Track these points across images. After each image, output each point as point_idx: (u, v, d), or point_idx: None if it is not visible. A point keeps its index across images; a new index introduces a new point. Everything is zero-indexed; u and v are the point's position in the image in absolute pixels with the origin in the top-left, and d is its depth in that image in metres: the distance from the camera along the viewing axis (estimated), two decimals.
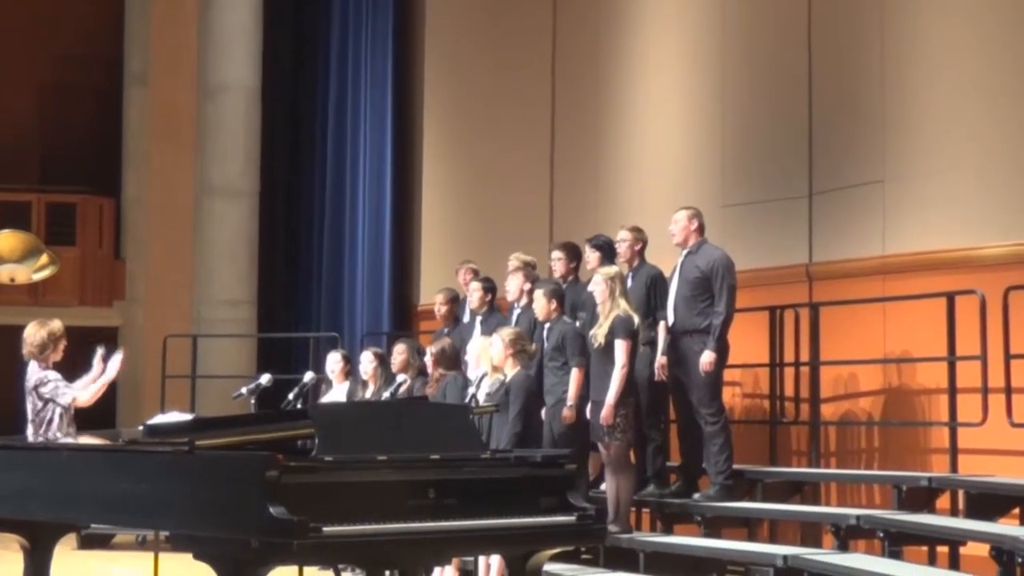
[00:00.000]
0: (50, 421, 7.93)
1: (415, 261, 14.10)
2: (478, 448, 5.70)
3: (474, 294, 10.05)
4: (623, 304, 8.61)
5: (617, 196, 11.74)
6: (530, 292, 9.41)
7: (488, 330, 9.47)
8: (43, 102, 17.28)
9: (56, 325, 8.16)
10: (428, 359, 9.50)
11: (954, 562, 7.75)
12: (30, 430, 8.02)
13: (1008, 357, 8.06)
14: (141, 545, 11.40)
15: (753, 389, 10.15)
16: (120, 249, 16.55)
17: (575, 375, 8.78)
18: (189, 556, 5.15)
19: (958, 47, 9.01)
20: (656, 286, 9.15)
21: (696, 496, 8.95)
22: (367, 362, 10.09)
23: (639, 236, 9.32)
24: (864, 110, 9.58)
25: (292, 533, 4.78)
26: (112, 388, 8.37)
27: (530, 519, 5.43)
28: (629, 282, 9.05)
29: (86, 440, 6.99)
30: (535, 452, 7.46)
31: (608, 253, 9.39)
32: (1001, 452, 8.24)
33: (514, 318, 9.65)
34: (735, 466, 8.93)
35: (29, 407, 8.04)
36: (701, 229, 9.05)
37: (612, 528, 8.33)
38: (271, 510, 4.80)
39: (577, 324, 9.11)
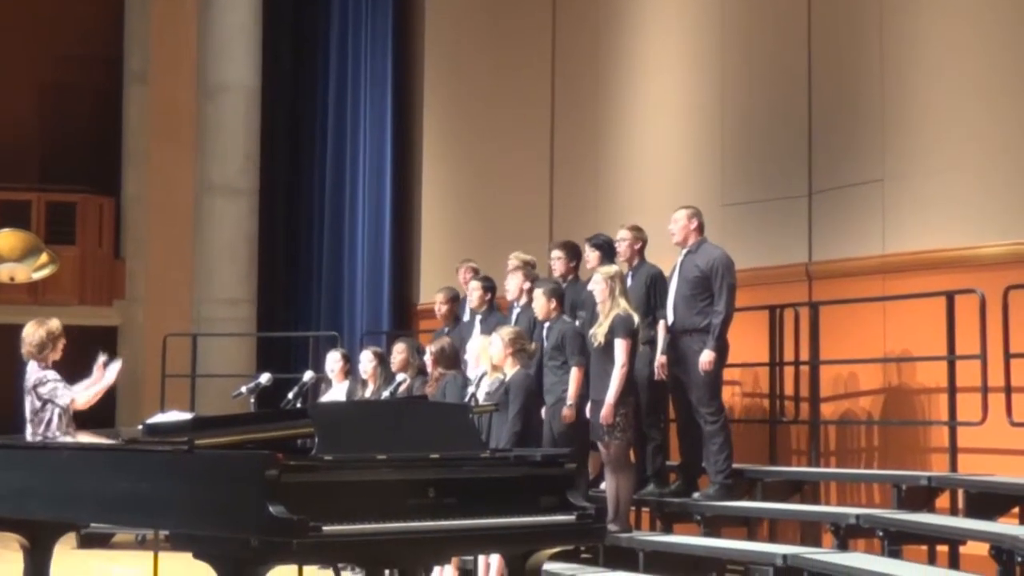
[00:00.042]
0: (49, 421, 7.93)
1: (415, 260, 14.11)
2: (478, 447, 5.70)
3: (473, 293, 10.05)
4: (623, 303, 8.61)
5: (617, 195, 11.74)
6: (530, 291, 9.41)
7: (488, 329, 9.47)
8: (43, 101, 17.28)
9: (54, 324, 8.15)
10: (427, 358, 9.50)
11: (954, 561, 7.75)
12: (28, 429, 8.02)
13: (1008, 356, 8.06)
14: (141, 544, 11.40)
15: (753, 388, 10.15)
16: (120, 248, 16.55)
17: (575, 374, 8.78)
18: (189, 555, 5.15)
19: (957, 46, 9.01)
20: (656, 285, 9.15)
21: (696, 495, 8.95)
22: (367, 361, 10.09)
23: (639, 235, 9.32)
24: (864, 109, 9.58)
25: (292, 532, 4.78)
26: (112, 388, 8.37)
27: (530, 518, 5.43)
28: (629, 281, 9.05)
29: (85, 439, 6.98)
30: (535, 451, 7.46)
31: (608, 252, 9.39)
32: (1001, 451, 8.25)
33: (514, 317, 9.65)
34: (735, 465, 8.93)
35: (27, 406, 8.04)
36: (701, 228, 9.05)
37: (612, 527, 8.32)
38: (271, 509, 4.80)
39: (577, 323, 9.11)
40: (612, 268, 8.83)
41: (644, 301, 9.07)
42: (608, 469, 8.70)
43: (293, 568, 6.73)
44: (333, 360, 10.54)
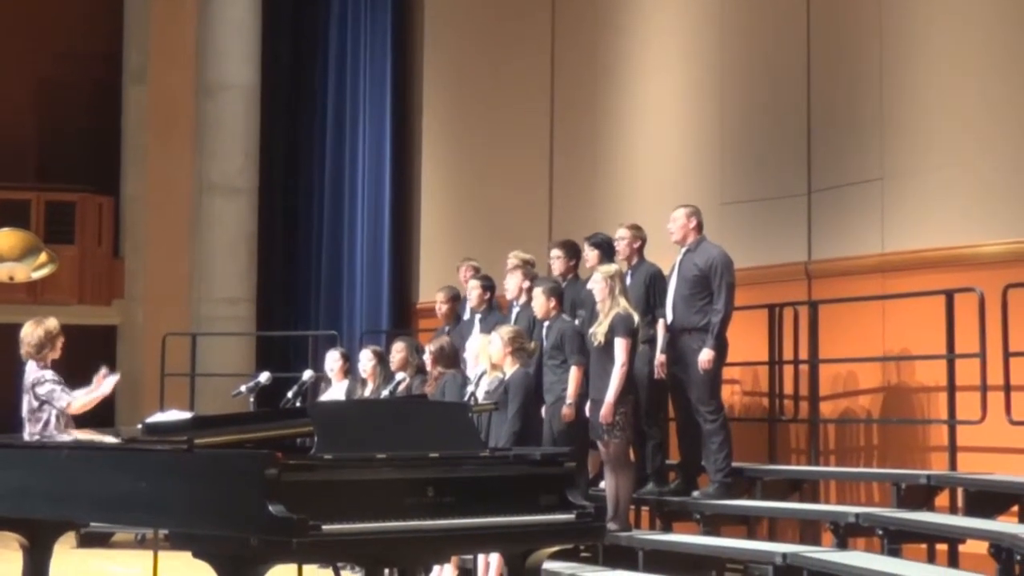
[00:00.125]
0: (47, 422, 7.93)
1: (414, 259, 14.11)
2: (477, 446, 5.70)
3: (473, 292, 10.05)
4: (623, 302, 8.61)
5: (616, 194, 11.74)
6: (529, 290, 9.41)
7: (487, 328, 9.47)
8: (42, 99, 17.26)
9: (52, 323, 8.15)
10: (427, 357, 9.50)
11: (953, 560, 7.75)
12: (26, 428, 8.02)
13: (1007, 355, 8.07)
14: (140, 543, 11.40)
15: (752, 387, 10.15)
16: (119, 247, 16.53)
17: (574, 373, 8.78)
18: (188, 554, 5.15)
19: (956, 45, 9.01)
20: (655, 284, 9.15)
21: (695, 494, 8.95)
22: (366, 360, 10.09)
23: (638, 234, 9.31)
24: (862, 108, 9.58)
25: (291, 531, 4.78)
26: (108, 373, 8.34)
27: (529, 517, 5.43)
28: (628, 280, 9.05)
29: (84, 437, 6.97)
30: (534, 450, 7.46)
31: (607, 251, 9.39)
32: (1000, 450, 8.25)
33: (513, 316, 9.65)
34: (734, 464, 8.94)
35: (25, 405, 8.05)
36: (700, 227, 9.05)
37: (611, 526, 8.32)
38: (270, 508, 4.80)
39: (576, 322, 9.11)
40: (612, 267, 8.83)
41: (643, 300, 9.06)
42: (608, 468, 8.70)
43: (293, 567, 6.73)
44: (332, 359, 10.54)
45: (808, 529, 8.98)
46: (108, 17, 16.85)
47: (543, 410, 8.88)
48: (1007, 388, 8.04)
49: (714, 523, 8.82)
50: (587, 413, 8.67)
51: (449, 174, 13.89)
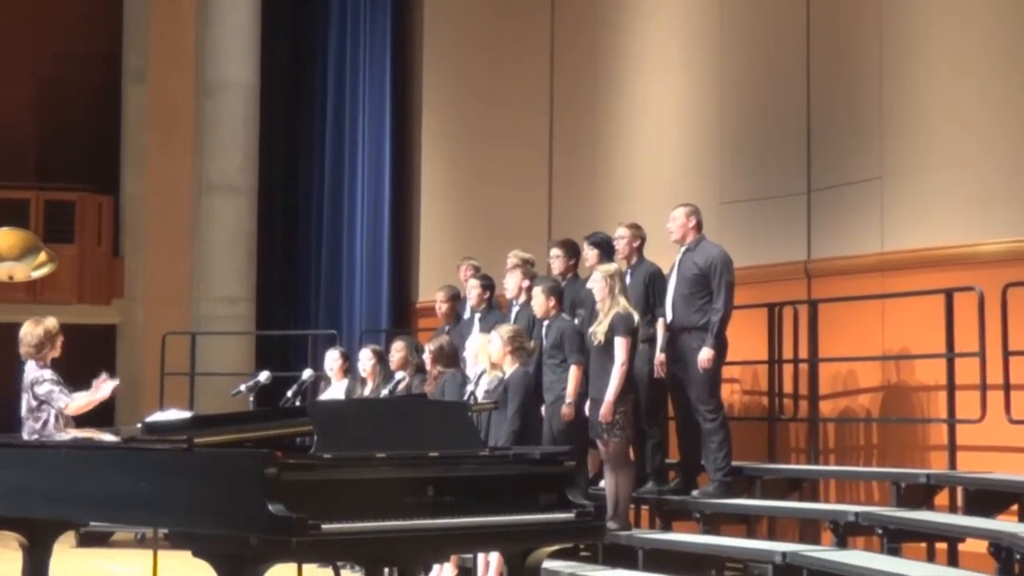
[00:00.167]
0: (45, 421, 7.93)
1: (414, 258, 14.11)
2: (477, 445, 5.70)
3: (472, 291, 10.06)
4: (622, 301, 8.61)
5: (615, 193, 11.75)
6: (529, 289, 9.41)
7: (487, 327, 9.47)
8: (41, 99, 17.26)
9: (51, 322, 8.14)
10: (426, 356, 9.50)
11: (952, 559, 7.75)
12: (25, 428, 8.02)
13: (1006, 354, 8.07)
14: (140, 543, 11.40)
15: (752, 386, 10.15)
16: (119, 246, 16.53)
17: (574, 372, 8.77)
18: (188, 553, 5.15)
19: (956, 44, 9.01)
20: (655, 283, 9.15)
21: (695, 493, 8.95)
22: (365, 359, 10.09)
23: (637, 233, 9.31)
24: (862, 107, 9.58)
25: (291, 530, 4.78)
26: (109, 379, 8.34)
27: (529, 516, 5.43)
28: (628, 279, 9.05)
29: (84, 437, 6.97)
30: (534, 449, 7.45)
31: (606, 250, 9.39)
32: (999, 449, 8.25)
33: (513, 315, 9.65)
34: (734, 463, 8.94)
35: (24, 404, 8.04)
36: (699, 226, 9.05)
37: (611, 525, 8.32)
38: (270, 507, 4.80)
39: (576, 321, 9.11)
40: (611, 266, 8.83)
41: (643, 299, 9.06)
42: (607, 467, 8.70)
43: (292, 566, 6.73)
44: (332, 358, 10.54)
45: (808, 528, 8.98)
46: (108, 17, 16.85)
47: (542, 409, 8.88)
48: (1006, 387, 8.04)
49: (714, 522, 8.83)
50: (587, 412, 8.67)
51: (449, 173, 13.89)
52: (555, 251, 9.79)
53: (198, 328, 14.38)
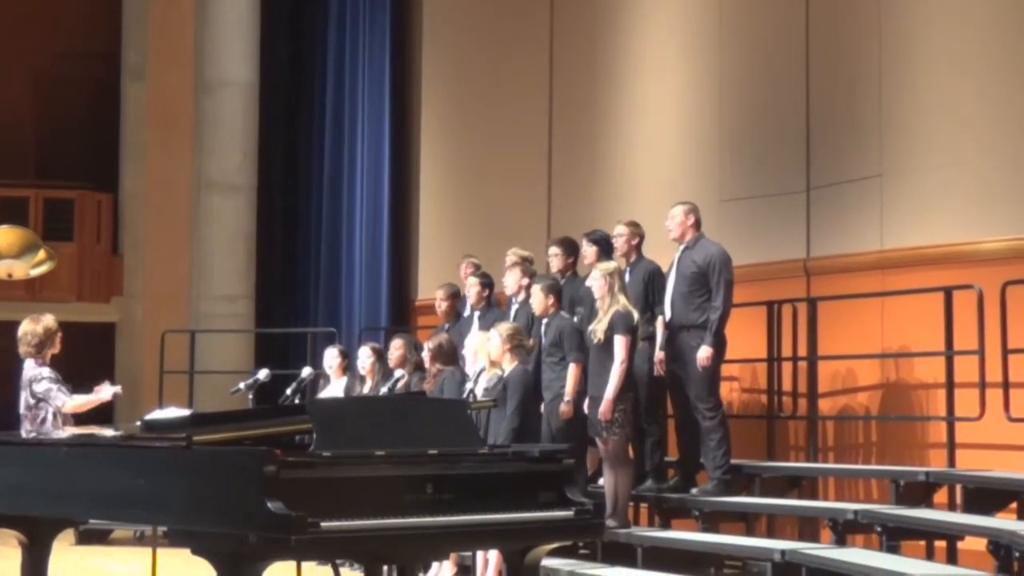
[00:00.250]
0: (44, 419, 7.93)
1: (413, 256, 14.11)
2: (476, 443, 5.70)
3: (472, 289, 10.06)
4: (622, 300, 8.61)
5: (615, 192, 11.75)
6: (528, 287, 9.41)
7: (486, 325, 9.47)
8: (40, 97, 17.25)
9: (49, 320, 8.14)
10: (425, 354, 9.50)
11: (952, 556, 7.76)
12: (24, 425, 8.02)
13: (1005, 352, 8.07)
14: (139, 540, 11.39)
15: (751, 384, 10.15)
16: (118, 244, 16.53)
17: (573, 370, 8.78)
18: (187, 551, 5.15)
19: (955, 43, 9.01)
20: (654, 281, 9.15)
21: (694, 491, 8.96)
22: (364, 357, 10.09)
23: (636, 231, 9.32)
24: (861, 105, 9.58)
25: (290, 528, 4.77)
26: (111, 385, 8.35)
27: (528, 514, 5.43)
28: (627, 277, 9.05)
29: (83, 434, 6.97)
30: (533, 447, 7.46)
31: (605, 248, 9.39)
32: (998, 447, 8.25)
33: (512, 313, 9.65)
34: (733, 461, 8.94)
35: (22, 402, 8.04)
36: (698, 224, 9.05)
37: (610, 523, 8.33)
38: (269, 505, 4.80)
39: (575, 319, 9.11)
40: (611, 264, 8.82)
41: (642, 297, 9.07)
42: (606, 465, 8.70)
43: (292, 564, 6.74)
44: (331, 356, 10.54)
45: (807, 526, 8.99)
46: (107, 16, 16.85)
47: (542, 407, 8.88)
48: (1005, 385, 8.04)
49: (713, 520, 8.83)
50: (586, 410, 8.67)
51: (448, 172, 13.89)
52: (554, 249, 9.78)
53: (197, 326, 14.37)
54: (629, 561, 8.55)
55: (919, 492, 8.22)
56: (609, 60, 12.07)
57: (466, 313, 10.28)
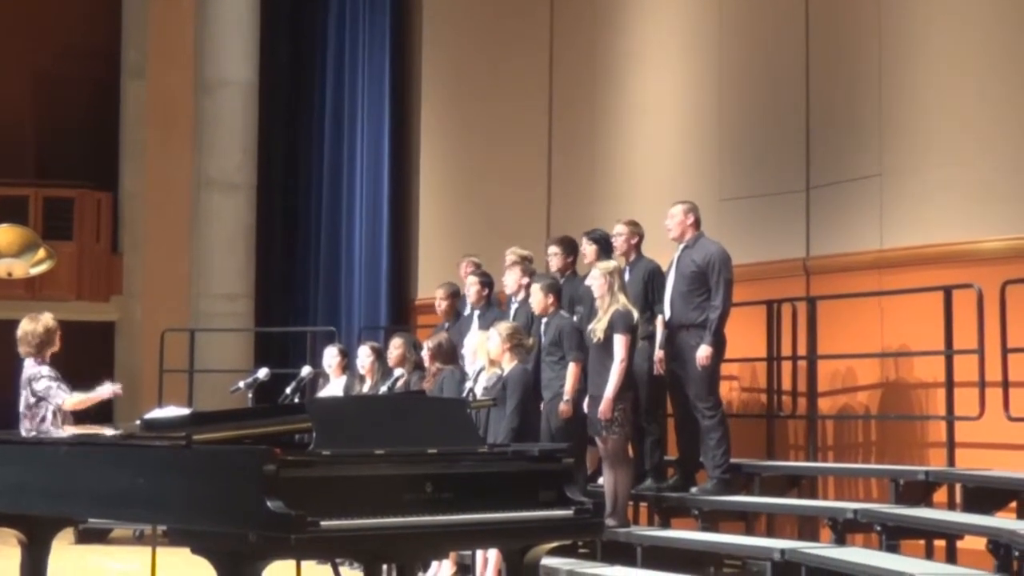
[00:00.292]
0: (43, 418, 7.93)
1: (413, 255, 14.10)
2: (476, 442, 5.70)
3: (471, 289, 10.05)
4: (622, 299, 8.61)
5: (614, 191, 11.75)
6: (528, 286, 9.41)
7: (486, 324, 9.47)
8: (40, 95, 17.25)
9: (49, 320, 8.14)
10: (425, 353, 9.50)
11: (951, 556, 7.76)
12: (23, 424, 8.03)
13: (1005, 351, 8.07)
14: (139, 539, 11.40)
15: (750, 383, 10.15)
16: (117, 243, 16.53)
17: (572, 369, 8.78)
18: (187, 550, 5.15)
19: (955, 42, 9.01)
20: (654, 280, 9.15)
21: (693, 490, 8.96)
22: (364, 356, 10.09)
23: (635, 230, 9.32)
24: (861, 105, 9.58)
25: (290, 527, 4.77)
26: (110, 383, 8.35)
27: (527, 513, 5.43)
28: (627, 276, 9.05)
29: (82, 433, 6.97)
30: (532, 446, 7.46)
31: (605, 247, 9.39)
32: (998, 446, 8.25)
33: (512, 312, 9.65)
34: (732, 460, 8.94)
35: (22, 401, 8.05)
36: (697, 223, 9.04)
37: (610, 522, 8.33)
38: (269, 504, 4.80)
39: (574, 318, 9.11)
40: (611, 263, 8.82)
41: (642, 296, 9.07)
42: (606, 464, 8.70)
43: (291, 563, 6.73)
44: (331, 355, 10.54)
45: (806, 525, 8.99)
46: (107, 14, 16.85)
47: (541, 406, 8.88)
48: (1005, 384, 8.04)
49: (712, 519, 8.83)
50: (585, 409, 8.67)
51: (447, 171, 13.89)
52: (553, 248, 9.78)
53: (197, 325, 14.37)
54: (629, 560, 8.55)
55: (919, 491, 8.22)
56: (609, 60, 12.07)
57: (466, 312, 10.27)
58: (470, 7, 13.78)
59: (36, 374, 8.00)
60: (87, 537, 11.46)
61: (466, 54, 13.68)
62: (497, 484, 5.44)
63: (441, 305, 10.57)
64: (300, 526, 4.77)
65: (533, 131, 12.82)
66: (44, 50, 17.09)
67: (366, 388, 9.93)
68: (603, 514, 6.75)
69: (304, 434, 5.86)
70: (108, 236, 16.43)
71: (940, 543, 7.85)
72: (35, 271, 12.96)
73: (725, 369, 9.39)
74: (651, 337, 9.10)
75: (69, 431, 7.38)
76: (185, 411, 6.58)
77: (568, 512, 5.48)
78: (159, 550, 7.52)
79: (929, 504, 8.22)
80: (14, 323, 8.22)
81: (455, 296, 10.53)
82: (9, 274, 12.65)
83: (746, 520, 9.01)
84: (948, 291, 8.45)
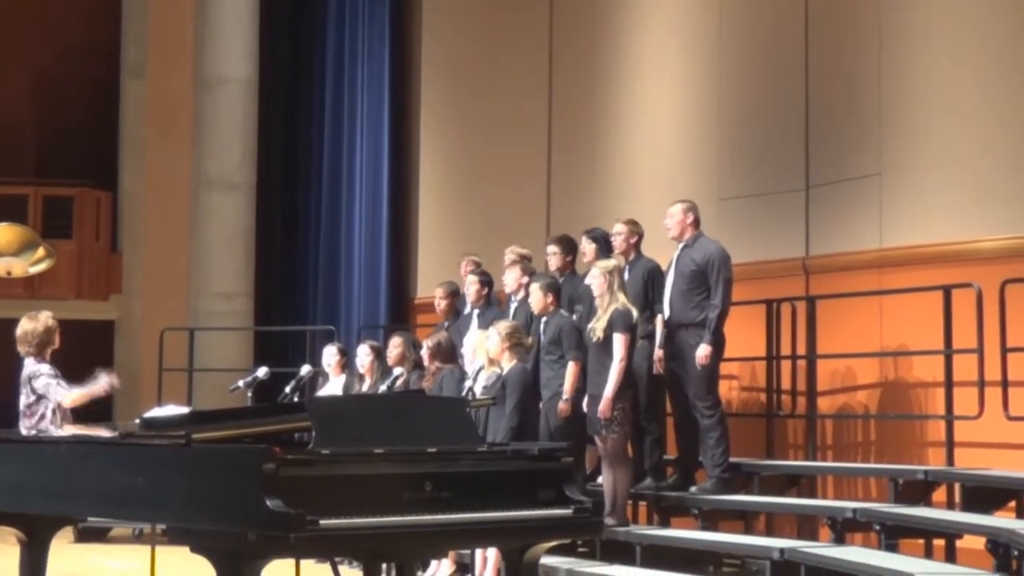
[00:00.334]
0: (43, 416, 7.93)
1: (412, 255, 14.10)
2: (475, 441, 5.70)
3: (471, 288, 10.05)
4: (621, 298, 8.60)
5: (614, 190, 11.75)
6: (527, 285, 9.41)
7: (485, 324, 9.47)
8: (39, 94, 17.25)
9: (48, 318, 8.13)
10: (424, 352, 9.50)
11: (950, 555, 7.76)
12: (23, 423, 8.02)
13: (1004, 350, 8.07)
14: (138, 538, 11.40)
15: (750, 382, 10.15)
16: (117, 242, 16.53)
17: (571, 369, 8.78)
18: (186, 549, 5.15)
19: (955, 41, 9.01)
20: (653, 279, 9.15)
21: (693, 489, 8.95)
22: (363, 355, 10.09)
23: (635, 229, 9.31)
24: (861, 104, 9.58)
25: (289, 526, 4.78)
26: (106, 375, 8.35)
27: (527, 512, 5.44)
28: (626, 275, 9.05)
29: (81, 432, 6.97)
30: (532, 445, 7.46)
31: (604, 246, 9.39)
32: (997, 445, 8.25)
33: (511, 311, 9.64)
34: (732, 459, 8.94)
35: (22, 400, 8.04)
36: (697, 222, 9.04)
37: (609, 521, 8.33)
38: (268, 503, 4.80)
39: (574, 317, 9.11)
40: (610, 262, 8.82)
41: (642, 295, 9.06)
42: (605, 463, 8.70)
43: (290, 562, 6.73)
44: (330, 354, 10.54)
45: (805, 524, 8.99)
46: (106, 13, 16.85)
47: (540, 405, 8.88)
48: (1004, 384, 8.05)
49: (712, 518, 8.83)
50: (585, 408, 8.67)
51: (447, 170, 13.89)
52: (552, 247, 9.78)
53: (196, 324, 14.36)
54: (628, 559, 8.55)
55: (918, 491, 8.23)
56: (608, 59, 12.07)
57: (465, 311, 10.27)
58: (470, 5, 13.78)
59: (36, 372, 8.00)
60: (86, 536, 11.46)
61: (466, 52, 13.68)
62: (496, 483, 5.45)
63: (440, 304, 10.56)
64: (299, 525, 4.78)
65: (533, 130, 12.82)
66: (44, 50, 17.09)
67: (365, 387, 9.92)
68: (602, 513, 6.75)
69: (303, 433, 5.86)
70: (108, 235, 16.44)
71: (939, 542, 7.85)
72: (34, 270, 12.97)
73: (724, 368, 9.39)
74: (650, 336, 9.09)
75: (68, 430, 7.38)
76: (184, 410, 6.59)
77: (567, 511, 5.49)
78: (158, 549, 7.53)
79: (928, 503, 8.23)
80: (13, 322, 8.22)
81: (454, 295, 10.52)
82: (8, 273, 12.66)
83: (745, 519, 9.01)
84: (947, 290, 8.46)
